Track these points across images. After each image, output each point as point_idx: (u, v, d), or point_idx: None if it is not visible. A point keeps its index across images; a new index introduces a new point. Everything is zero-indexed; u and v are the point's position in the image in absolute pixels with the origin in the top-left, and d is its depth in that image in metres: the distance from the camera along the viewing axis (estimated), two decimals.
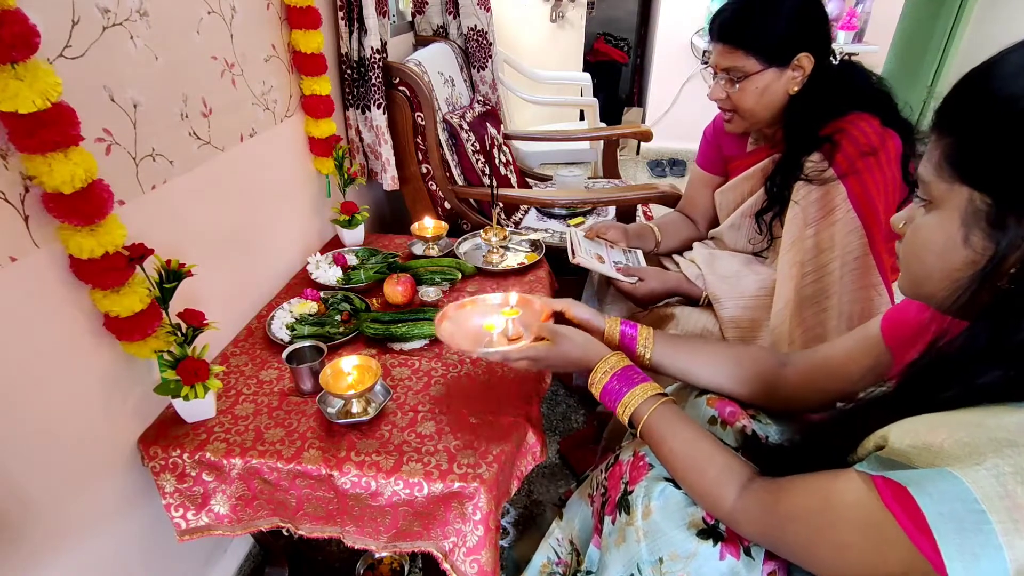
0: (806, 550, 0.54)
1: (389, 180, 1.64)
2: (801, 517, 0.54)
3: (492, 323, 0.89)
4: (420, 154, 1.68)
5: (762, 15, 1.02)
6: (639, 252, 1.37)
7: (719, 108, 1.15)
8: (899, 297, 1.03)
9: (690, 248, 1.33)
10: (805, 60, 1.02)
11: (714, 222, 1.31)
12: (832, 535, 0.50)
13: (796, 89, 1.05)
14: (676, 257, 1.33)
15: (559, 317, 0.89)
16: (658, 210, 1.78)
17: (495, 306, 0.96)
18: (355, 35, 1.47)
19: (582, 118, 3.32)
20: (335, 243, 1.51)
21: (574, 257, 1.23)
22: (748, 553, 0.62)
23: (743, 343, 1.10)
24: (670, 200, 1.53)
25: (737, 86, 1.07)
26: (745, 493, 0.61)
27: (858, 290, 1.02)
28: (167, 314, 0.84)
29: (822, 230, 1.02)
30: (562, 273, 1.50)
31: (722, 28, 1.06)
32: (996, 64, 0.48)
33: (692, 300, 1.22)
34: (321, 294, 1.21)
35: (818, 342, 1.03)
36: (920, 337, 0.64)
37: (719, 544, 0.63)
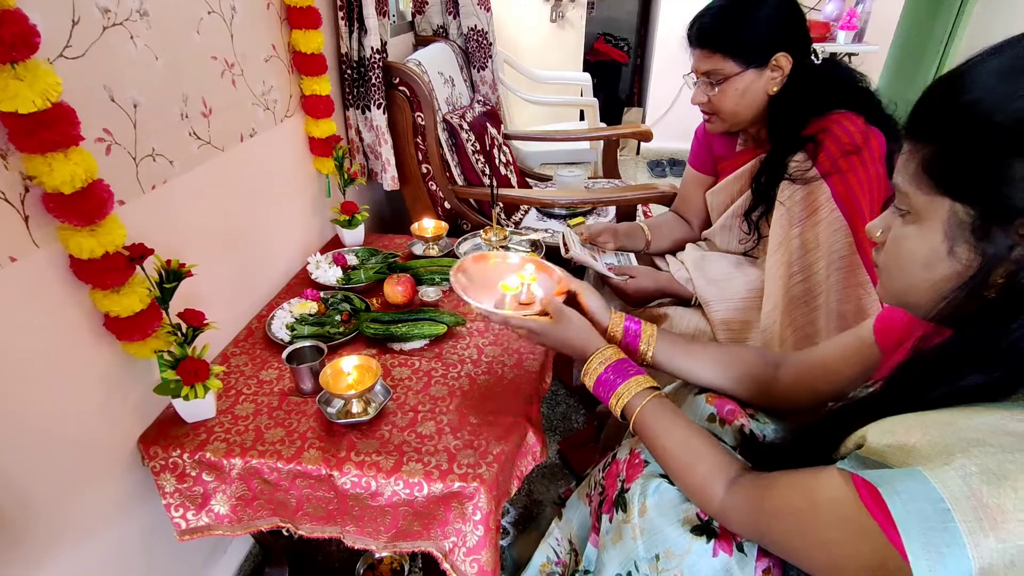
0: (792, 546, 0.54)
1: (389, 180, 1.64)
2: (786, 514, 0.55)
3: (508, 284, 0.88)
4: (420, 154, 1.68)
5: (738, 18, 1.03)
6: (631, 256, 1.38)
7: (701, 111, 1.16)
8: None
9: (683, 248, 1.33)
10: (783, 60, 1.03)
11: (707, 222, 1.32)
12: (815, 531, 0.51)
13: (776, 89, 1.05)
14: (668, 258, 1.34)
15: (570, 299, 0.89)
16: (658, 210, 1.79)
17: (513, 266, 0.95)
18: (355, 35, 1.48)
19: (582, 118, 3.32)
20: (335, 243, 1.51)
21: (567, 252, 1.24)
22: (741, 549, 0.62)
23: (740, 345, 1.10)
24: (670, 200, 1.53)
25: (717, 89, 1.08)
26: (733, 489, 0.62)
27: (846, 289, 1.02)
28: (167, 314, 0.85)
29: (807, 230, 1.02)
30: None
31: (700, 33, 1.07)
32: (970, 73, 0.47)
33: (684, 300, 1.23)
34: (321, 294, 1.21)
35: (809, 342, 1.03)
36: (907, 340, 0.65)
37: (712, 541, 0.63)
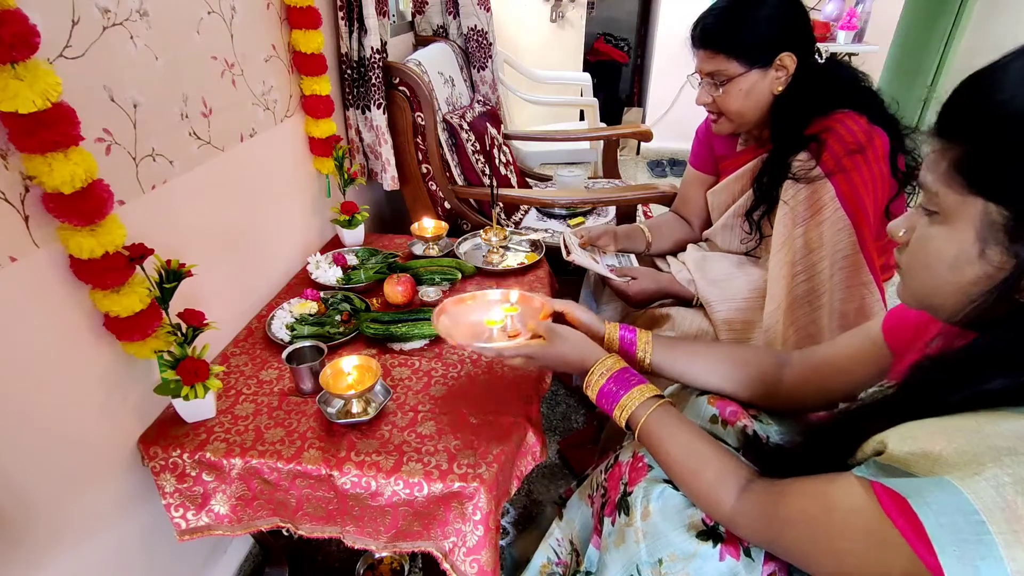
0: (806, 554, 0.53)
1: (389, 180, 1.64)
2: (800, 521, 0.54)
3: (492, 319, 0.90)
4: (420, 154, 1.68)
5: (741, 18, 1.03)
6: (632, 257, 1.38)
7: (706, 112, 1.16)
8: (890, 295, 1.04)
9: (684, 249, 1.33)
10: (787, 60, 1.03)
11: (708, 222, 1.32)
12: (832, 540, 0.50)
13: (780, 89, 1.05)
14: (669, 259, 1.34)
15: (559, 318, 0.89)
16: (658, 210, 1.79)
17: (494, 302, 0.97)
18: (355, 35, 1.48)
19: (582, 118, 3.32)
20: (335, 243, 1.51)
21: (568, 255, 1.23)
22: (748, 554, 0.62)
23: (745, 344, 1.10)
24: (670, 200, 1.53)
25: (721, 90, 1.07)
26: (744, 496, 0.61)
27: (849, 288, 1.02)
28: (167, 314, 0.84)
29: (811, 229, 1.02)
30: (562, 273, 1.50)
31: (703, 34, 1.07)
32: (1003, 71, 0.46)
33: (686, 301, 1.22)
34: (321, 294, 1.21)
35: (812, 341, 1.02)
36: (920, 340, 0.64)
37: (719, 545, 0.63)
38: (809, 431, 0.72)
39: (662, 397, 0.74)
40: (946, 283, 0.51)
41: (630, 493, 0.71)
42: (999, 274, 0.47)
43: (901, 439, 0.48)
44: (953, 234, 0.49)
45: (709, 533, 0.64)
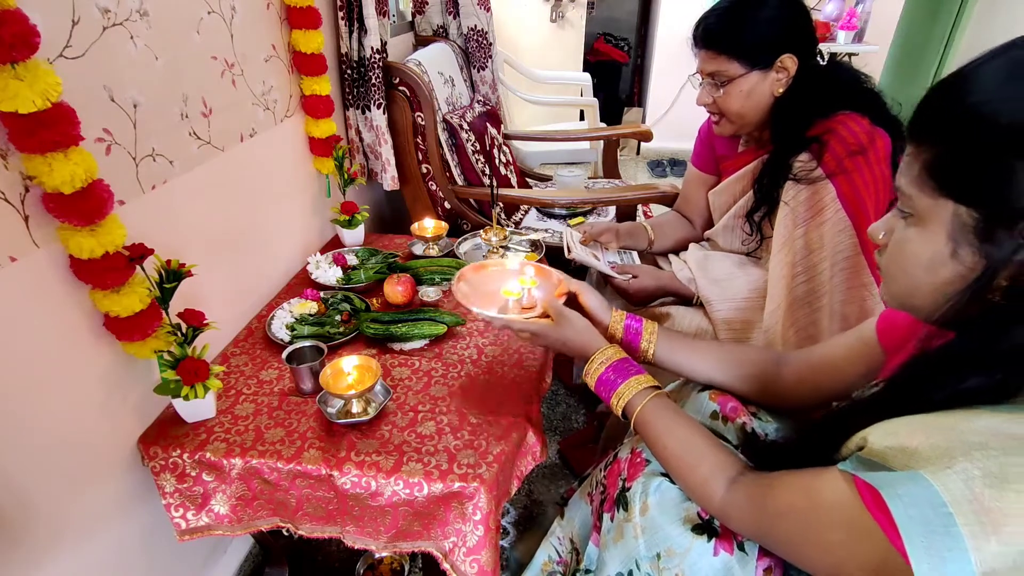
0: (793, 546, 0.54)
1: (389, 180, 1.64)
2: (788, 514, 0.54)
3: (510, 289, 0.89)
4: (420, 154, 1.68)
5: (743, 19, 1.03)
6: (634, 254, 1.38)
7: (707, 112, 1.16)
8: None
9: (686, 248, 1.33)
10: (788, 61, 1.02)
11: (710, 222, 1.32)
12: (817, 532, 0.51)
13: (781, 90, 1.05)
14: (671, 257, 1.34)
15: (571, 300, 0.89)
16: (658, 210, 1.79)
17: (513, 272, 0.97)
18: (355, 35, 1.48)
19: (582, 118, 3.32)
20: (335, 243, 1.51)
21: (569, 253, 1.24)
22: (742, 548, 0.62)
23: (745, 343, 1.10)
24: (670, 200, 1.53)
25: (722, 90, 1.07)
26: (734, 488, 0.62)
27: (849, 290, 1.02)
28: (167, 314, 0.85)
29: (811, 230, 1.02)
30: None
31: (705, 34, 1.06)
32: (973, 75, 0.47)
33: (686, 299, 1.22)
34: (321, 294, 1.21)
35: (811, 342, 1.03)
36: (911, 340, 0.65)
37: (713, 540, 0.63)
38: (801, 428, 0.72)
39: (658, 388, 0.75)
40: (923, 284, 0.52)
41: (628, 489, 0.72)
42: (971, 274, 0.48)
43: (883, 435, 0.49)
44: (927, 236, 0.50)
45: (704, 527, 0.64)
